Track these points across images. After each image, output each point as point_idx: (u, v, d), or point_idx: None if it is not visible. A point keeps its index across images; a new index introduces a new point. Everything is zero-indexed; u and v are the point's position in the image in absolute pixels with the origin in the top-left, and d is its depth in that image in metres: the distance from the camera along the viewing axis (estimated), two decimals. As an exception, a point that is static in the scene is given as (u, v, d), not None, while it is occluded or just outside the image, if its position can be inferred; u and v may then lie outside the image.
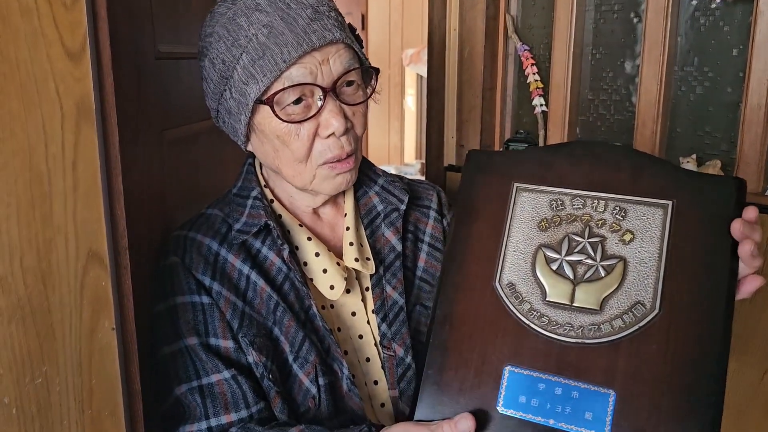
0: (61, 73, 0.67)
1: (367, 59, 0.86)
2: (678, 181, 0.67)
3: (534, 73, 1.34)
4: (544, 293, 0.67)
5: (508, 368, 0.65)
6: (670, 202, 0.66)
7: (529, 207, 0.70)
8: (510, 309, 0.67)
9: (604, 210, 0.68)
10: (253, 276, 0.83)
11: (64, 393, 0.74)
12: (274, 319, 0.83)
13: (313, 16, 0.77)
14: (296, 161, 0.81)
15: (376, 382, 0.88)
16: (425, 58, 1.46)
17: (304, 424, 0.78)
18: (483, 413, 0.63)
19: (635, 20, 1.23)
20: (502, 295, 0.67)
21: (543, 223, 0.69)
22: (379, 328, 0.88)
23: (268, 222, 0.84)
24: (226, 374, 0.80)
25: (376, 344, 0.89)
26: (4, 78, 0.64)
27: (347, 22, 0.86)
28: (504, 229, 0.70)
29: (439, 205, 0.99)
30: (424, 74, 1.61)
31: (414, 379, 0.88)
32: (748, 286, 0.65)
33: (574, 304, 0.66)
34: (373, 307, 0.89)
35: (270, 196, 0.90)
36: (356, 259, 0.87)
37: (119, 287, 0.75)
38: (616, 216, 0.68)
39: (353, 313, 0.89)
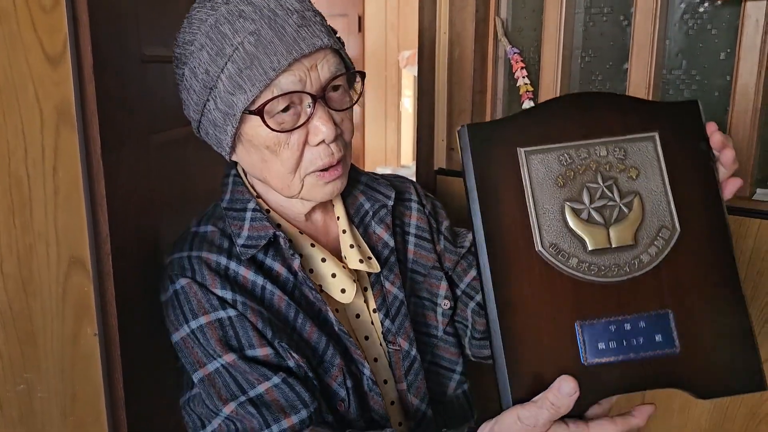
0: (40, 77, 0.67)
1: (351, 61, 0.85)
2: (654, 113, 0.74)
3: (524, 76, 1.33)
4: (584, 244, 0.70)
5: (578, 323, 0.68)
6: (655, 133, 0.73)
7: (541, 168, 0.72)
8: (560, 268, 0.69)
9: (607, 153, 0.73)
10: (269, 286, 0.81)
11: (47, 399, 0.73)
12: (294, 326, 0.81)
13: (301, 22, 0.76)
14: (286, 171, 0.80)
15: (385, 381, 0.89)
16: (420, 60, 1.46)
17: (389, 429, 0.79)
18: (572, 372, 0.66)
19: (624, 23, 1.23)
20: (549, 257, 0.70)
21: (560, 180, 0.72)
22: (382, 325, 0.88)
23: (277, 233, 0.82)
24: (276, 379, 0.77)
25: (381, 344, 0.89)
26: (-17, 83, 0.64)
27: (328, 26, 0.86)
28: (527, 196, 0.71)
29: (418, 196, 0.99)
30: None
31: (420, 371, 0.89)
32: (731, 187, 0.72)
33: (613, 246, 0.70)
34: (374, 306, 0.89)
35: (265, 207, 0.88)
36: (360, 261, 0.86)
37: (102, 293, 0.75)
38: (618, 156, 0.73)
39: (357, 315, 0.89)
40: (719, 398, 1.09)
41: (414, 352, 0.89)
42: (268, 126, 0.76)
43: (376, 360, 0.89)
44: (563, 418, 0.65)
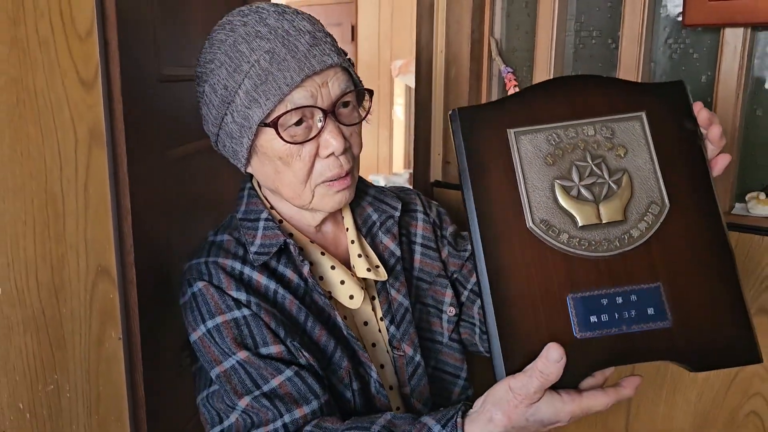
0: (75, 100, 0.72)
1: (360, 81, 0.90)
2: (641, 93, 0.77)
3: (517, 94, 1.40)
4: (574, 220, 0.72)
5: (570, 296, 0.70)
6: (642, 113, 0.75)
7: (531, 147, 0.75)
8: (551, 243, 0.71)
9: (595, 133, 0.75)
10: (281, 290, 0.86)
11: (74, 399, 0.78)
12: (305, 329, 0.86)
13: (312, 42, 0.81)
14: (297, 182, 0.85)
15: (391, 387, 0.93)
16: (413, 69, 1.50)
17: (390, 413, 0.80)
18: (565, 345, 0.67)
19: (612, 46, 1.30)
20: (540, 233, 0.72)
21: (549, 158, 0.74)
22: (388, 331, 0.93)
23: (287, 240, 0.86)
24: (288, 372, 0.81)
25: (387, 351, 0.93)
26: (23, 105, 0.69)
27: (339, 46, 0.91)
28: (517, 174, 0.74)
29: (423, 207, 1.04)
30: (413, 85, 1.66)
31: (423, 376, 0.93)
32: (720, 164, 0.75)
33: (603, 221, 0.72)
34: (381, 315, 0.93)
35: (278, 217, 0.93)
36: (368, 269, 0.91)
37: (126, 300, 0.80)
38: (606, 135, 0.75)
39: (365, 323, 0.93)
40: (701, 404, 1.16)
41: (418, 357, 0.93)
42: (281, 138, 0.81)
43: (382, 366, 0.93)
44: (557, 390, 0.68)
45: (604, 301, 0.69)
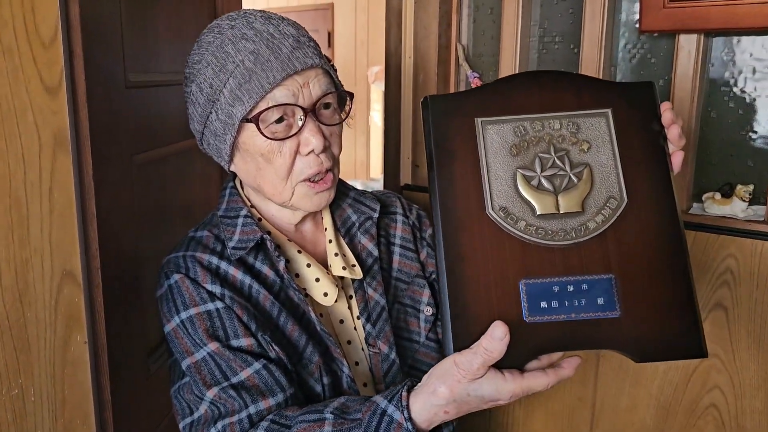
0: (39, 106, 0.73)
1: (342, 85, 0.93)
2: (610, 91, 0.80)
3: (484, 98, 1.43)
4: (533, 209, 0.75)
5: (523, 282, 0.72)
6: (609, 110, 0.78)
7: (497, 137, 0.77)
8: (509, 230, 0.74)
9: (561, 127, 0.78)
10: (256, 285, 0.89)
11: (39, 403, 0.79)
12: (277, 324, 0.88)
13: (295, 45, 0.85)
14: (278, 178, 0.87)
15: (365, 384, 0.95)
16: (388, 77, 1.53)
17: (345, 396, 0.83)
18: (514, 328, 0.70)
19: (575, 51, 1.33)
20: (499, 220, 0.74)
21: (513, 149, 0.77)
22: (364, 329, 0.95)
23: (264, 236, 0.89)
24: (257, 365, 0.83)
25: (362, 348, 0.95)
26: (-14, 112, 0.70)
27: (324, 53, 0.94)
28: (481, 163, 0.76)
29: (403, 209, 1.07)
30: (388, 92, 1.68)
31: (398, 374, 0.95)
32: (677, 160, 0.78)
33: (561, 212, 0.74)
34: (357, 314, 0.96)
35: (257, 215, 0.96)
36: (343, 268, 0.93)
37: (92, 303, 0.81)
38: (571, 130, 0.78)
39: (341, 321, 0.95)
40: (663, 397, 1.19)
41: (393, 355, 0.95)
42: (262, 133, 0.84)
43: (357, 364, 0.95)
44: (501, 369, 0.71)
45: (556, 288, 0.72)
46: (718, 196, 1.16)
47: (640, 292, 0.72)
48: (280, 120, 0.84)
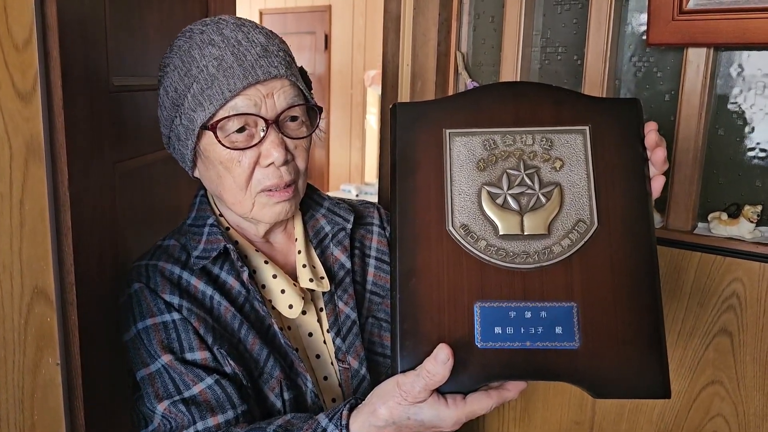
0: (11, 112, 0.68)
1: (312, 99, 0.90)
2: (590, 108, 0.74)
3: (483, 108, 1.39)
4: (495, 228, 0.71)
5: (478, 305, 0.68)
6: (586, 127, 0.73)
7: (464, 150, 0.73)
8: (468, 249, 0.70)
9: (533, 143, 0.73)
10: (217, 297, 0.86)
11: (6, 429, 0.74)
12: (239, 338, 0.86)
13: (262, 53, 0.82)
14: (237, 188, 0.85)
15: (334, 400, 0.92)
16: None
17: (291, 414, 0.81)
18: (464, 352, 0.66)
19: (578, 62, 1.29)
20: (458, 238, 0.70)
21: (480, 164, 0.73)
22: (333, 343, 0.92)
23: (227, 245, 0.87)
24: (209, 380, 0.82)
25: (332, 362, 0.92)
26: (-48, 118, 0.65)
27: (299, 65, 0.90)
28: (445, 176, 0.72)
29: (381, 220, 1.04)
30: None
31: (369, 390, 0.91)
32: (657, 185, 0.73)
33: (525, 233, 0.70)
34: (327, 327, 0.92)
35: (225, 225, 0.93)
36: (311, 280, 0.90)
37: (65, 323, 0.76)
38: (544, 147, 0.73)
39: (310, 334, 0.92)
40: (663, 424, 1.15)
41: (364, 371, 0.92)
42: (220, 142, 0.82)
43: (326, 378, 0.92)
44: (444, 394, 0.67)
45: (512, 314, 0.68)
46: (724, 216, 1.12)
47: (602, 324, 0.67)
48: (241, 130, 0.83)
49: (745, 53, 1.12)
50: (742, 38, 1.04)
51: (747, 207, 1.10)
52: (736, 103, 1.13)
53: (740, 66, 1.12)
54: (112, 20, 0.94)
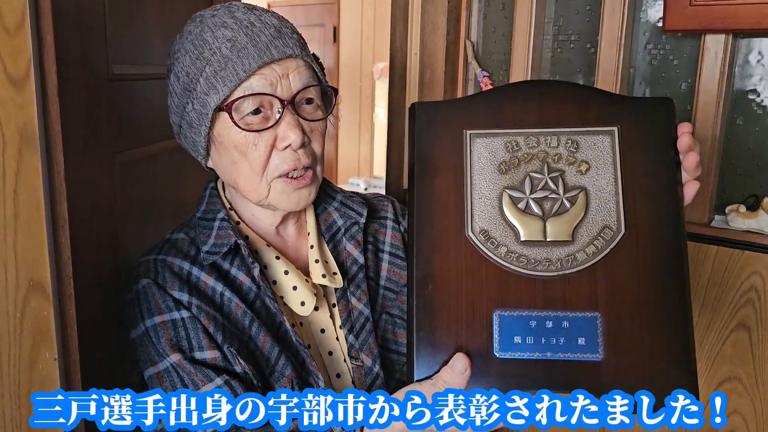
0: (3, 99, 0.66)
1: (327, 82, 0.87)
2: (619, 107, 0.71)
3: (493, 98, 1.36)
4: (517, 234, 0.68)
5: (497, 313, 0.66)
6: (615, 128, 0.69)
7: (485, 152, 0.70)
8: (488, 255, 0.67)
9: (558, 145, 0.70)
10: (227, 293, 0.84)
11: (1, 426, 0.72)
12: (250, 335, 0.84)
13: (276, 34, 0.81)
14: (253, 173, 0.83)
15: None
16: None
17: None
18: (482, 362, 0.64)
19: (591, 50, 1.26)
20: (478, 243, 0.68)
21: (502, 166, 0.70)
22: (346, 340, 0.90)
23: (238, 241, 0.85)
24: (218, 381, 0.79)
25: (345, 359, 0.90)
26: (-57, 105, 0.63)
27: (312, 52, 0.88)
28: (465, 179, 0.70)
29: (395, 214, 1.01)
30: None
31: (383, 388, 0.90)
32: (689, 191, 0.69)
33: (547, 239, 0.67)
34: (340, 323, 0.90)
35: (236, 218, 0.91)
36: (323, 275, 0.88)
37: (62, 316, 0.74)
38: (570, 149, 0.70)
39: (322, 330, 0.90)
40: None
41: (377, 369, 0.89)
42: (236, 124, 0.80)
43: (338, 376, 0.90)
44: None
45: (533, 323, 0.65)
46: (743, 208, 1.08)
47: (627, 337, 0.64)
48: (256, 111, 0.80)
49: (766, 40, 1.08)
50: (762, 24, 1.01)
51: (766, 199, 1.06)
52: (755, 91, 1.10)
53: (760, 53, 1.09)
54: (112, 7, 0.92)
